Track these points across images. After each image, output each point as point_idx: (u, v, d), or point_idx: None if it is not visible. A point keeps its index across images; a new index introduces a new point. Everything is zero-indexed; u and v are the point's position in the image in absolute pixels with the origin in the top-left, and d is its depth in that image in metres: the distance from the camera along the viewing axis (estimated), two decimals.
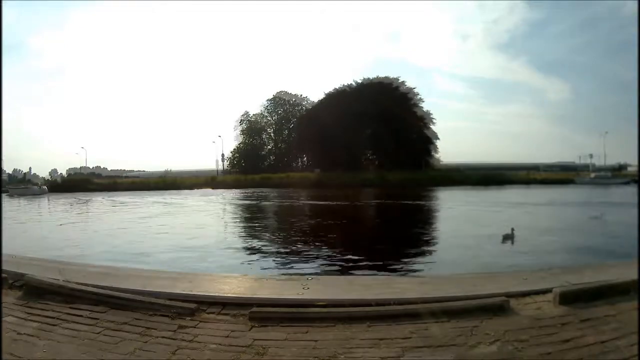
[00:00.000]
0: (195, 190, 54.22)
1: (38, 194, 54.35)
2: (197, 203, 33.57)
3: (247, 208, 29.60)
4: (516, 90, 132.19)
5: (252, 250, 11.86)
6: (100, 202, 36.51)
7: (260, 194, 45.09)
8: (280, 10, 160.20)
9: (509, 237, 11.84)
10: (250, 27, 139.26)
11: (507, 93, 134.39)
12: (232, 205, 32.95)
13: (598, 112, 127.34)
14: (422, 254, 10.91)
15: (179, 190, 55.22)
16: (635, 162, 71.95)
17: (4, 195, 47.96)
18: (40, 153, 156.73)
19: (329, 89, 77.30)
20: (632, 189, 41.54)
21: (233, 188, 59.29)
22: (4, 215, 22.90)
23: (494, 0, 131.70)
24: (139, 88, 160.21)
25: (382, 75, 74.17)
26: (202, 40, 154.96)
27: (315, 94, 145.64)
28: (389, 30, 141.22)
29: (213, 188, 58.63)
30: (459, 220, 18.88)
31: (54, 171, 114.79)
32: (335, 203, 29.07)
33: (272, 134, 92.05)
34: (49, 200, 43.23)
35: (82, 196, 47.15)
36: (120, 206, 31.76)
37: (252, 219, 22.67)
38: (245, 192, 48.38)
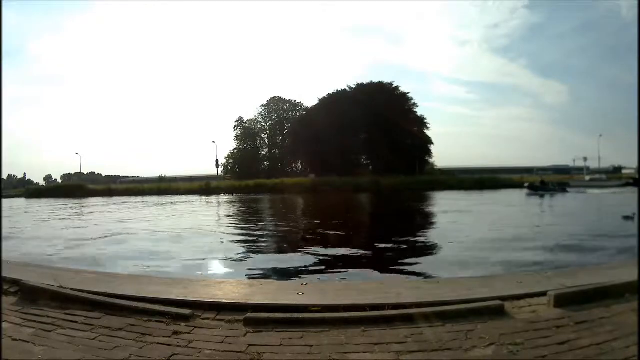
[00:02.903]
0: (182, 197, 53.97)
1: None
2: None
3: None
4: (514, 94, 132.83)
5: None
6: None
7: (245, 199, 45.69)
8: (278, 12, 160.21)
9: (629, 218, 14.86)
10: (248, 29, 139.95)
11: (506, 96, 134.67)
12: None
13: (596, 114, 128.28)
14: None
15: (172, 196, 54.99)
16: (631, 164, 72.47)
17: None
18: (35, 159, 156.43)
19: (327, 92, 77.34)
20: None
21: (227, 194, 59.49)
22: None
23: (494, 2, 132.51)
24: (134, 93, 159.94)
25: (378, 80, 74.47)
26: (199, 43, 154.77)
27: (314, 96, 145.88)
28: (389, 34, 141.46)
29: (207, 194, 58.56)
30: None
31: (49, 177, 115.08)
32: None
33: (266, 140, 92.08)
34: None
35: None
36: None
37: None
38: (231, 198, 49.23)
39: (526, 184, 47.45)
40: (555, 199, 35.65)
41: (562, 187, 46.04)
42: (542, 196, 38.93)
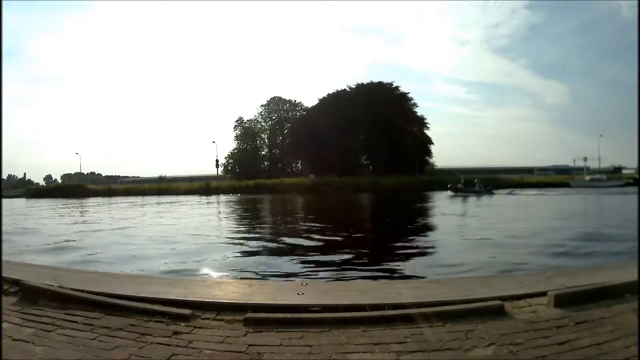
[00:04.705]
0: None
1: None
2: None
3: None
4: (515, 94, 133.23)
5: None
6: None
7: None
8: (278, 12, 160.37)
9: None
10: (248, 29, 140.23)
11: (506, 96, 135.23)
12: None
13: (596, 114, 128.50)
14: None
15: (171, 196, 54.97)
16: (631, 164, 72.52)
17: None
18: (35, 159, 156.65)
19: (327, 92, 77.75)
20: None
21: (227, 194, 59.54)
22: None
23: (494, 2, 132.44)
24: (134, 93, 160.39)
25: (378, 80, 74.64)
26: (199, 43, 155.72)
27: (314, 96, 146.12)
28: (389, 34, 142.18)
29: (207, 194, 58.58)
30: None
31: (49, 177, 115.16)
32: None
33: (266, 140, 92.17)
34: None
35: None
36: None
37: None
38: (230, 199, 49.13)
39: (449, 185, 45.46)
40: (480, 200, 34.40)
41: (489, 189, 44.90)
42: (464, 198, 37.63)
